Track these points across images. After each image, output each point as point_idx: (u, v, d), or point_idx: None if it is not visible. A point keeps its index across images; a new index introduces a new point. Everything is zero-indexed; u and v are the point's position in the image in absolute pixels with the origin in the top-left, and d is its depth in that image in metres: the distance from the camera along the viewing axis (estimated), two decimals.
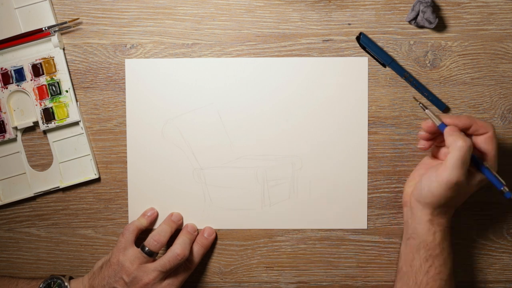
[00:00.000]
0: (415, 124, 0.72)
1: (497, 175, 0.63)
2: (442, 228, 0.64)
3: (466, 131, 0.63)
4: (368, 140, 0.72)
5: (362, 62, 0.71)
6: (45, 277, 0.69)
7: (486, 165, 0.63)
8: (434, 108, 0.71)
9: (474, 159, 0.63)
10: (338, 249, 0.72)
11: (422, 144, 0.66)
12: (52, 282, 0.68)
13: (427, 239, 0.63)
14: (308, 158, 0.72)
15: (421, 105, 0.65)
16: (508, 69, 0.71)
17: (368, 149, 0.72)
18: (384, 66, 0.71)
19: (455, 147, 0.60)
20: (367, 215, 0.72)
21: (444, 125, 0.63)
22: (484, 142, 0.63)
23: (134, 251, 0.67)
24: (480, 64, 0.71)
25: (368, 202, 0.72)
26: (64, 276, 0.69)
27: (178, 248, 0.67)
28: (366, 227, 0.72)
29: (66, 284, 0.68)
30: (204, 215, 0.72)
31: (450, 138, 0.61)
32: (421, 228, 0.64)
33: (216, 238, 0.72)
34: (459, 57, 0.71)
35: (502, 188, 0.62)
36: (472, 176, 0.63)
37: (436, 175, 0.61)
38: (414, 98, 0.69)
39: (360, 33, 0.70)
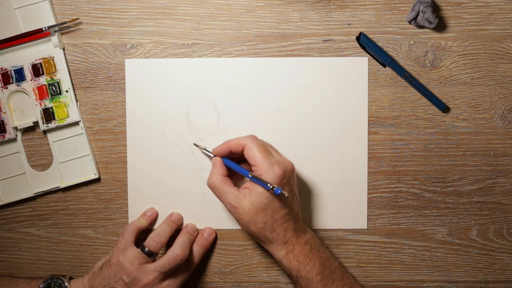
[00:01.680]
0: (415, 124, 0.72)
1: (260, 178, 0.62)
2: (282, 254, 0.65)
3: (233, 154, 0.67)
4: (368, 140, 0.72)
5: (362, 62, 0.71)
6: (45, 277, 0.69)
7: (250, 175, 0.63)
8: (434, 108, 0.71)
9: (248, 176, 0.64)
10: (338, 249, 0.72)
11: None
12: (52, 282, 0.68)
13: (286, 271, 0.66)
14: (308, 158, 0.71)
15: (196, 145, 0.71)
16: (508, 69, 0.71)
17: (368, 149, 0.72)
18: (384, 66, 0.71)
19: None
20: (367, 215, 0.72)
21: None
22: (246, 155, 0.65)
23: (134, 252, 0.67)
24: (480, 64, 0.71)
25: (368, 202, 0.72)
26: (64, 276, 0.69)
27: (178, 248, 0.67)
28: (366, 227, 0.72)
29: (66, 284, 0.68)
30: (204, 215, 0.72)
31: None
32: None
33: (216, 238, 0.72)
34: (459, 57, 0.71)
35: (269, 188, 0.62)
36: (253, 193, 0.63)
37: None
38: (194, 144, 0.71)
39: (360, 33, 0.70)
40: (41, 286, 0.68)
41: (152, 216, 0.72)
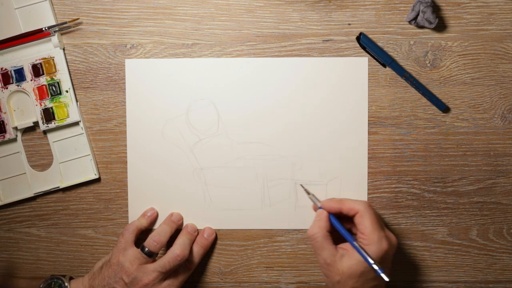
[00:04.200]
0: (415, 124, 0.72)
1: (365, 252, 0.62)
2: None
3: (341, 213, 0.67)
4: (368, 140, 0.72)
5: (362, 62, 0.71)
6: (45, 277, 0.69)
7: (356, 244, 0.63)
8: (434, 108, 0.71)
9: (349, 239, 0.65)
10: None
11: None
12: (52, 282, 0.68)
13: None
14: (308, 158, 0.72)
15: (305, 190, 0.70)
16: (508, 69, 0.71)
17: (368, 149, 0.72)
18: (384, 66, 0.71)
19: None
20: None
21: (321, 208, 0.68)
22: (356, 221, 0.65)
23: (134, 252, 0.67)
24: (480, 64, 0.71)
25: None
26: (64, 276, 0.69)
27: (178, 248, 0.67)
28: None
29: (66, 284, 0.68)
30: (204, 215, 0.72)
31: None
32: None
33: (216, 238, 0.72)
34: (459, 57, 0.71)
35: (372, 265, 0.62)
36: (352, 257, 0.63)
37: None
38: (301, 185, 0.71)
39: (360, 33, 0.70)
40: (41, 286, 0.68)
41: (152, 216, 0.72)
